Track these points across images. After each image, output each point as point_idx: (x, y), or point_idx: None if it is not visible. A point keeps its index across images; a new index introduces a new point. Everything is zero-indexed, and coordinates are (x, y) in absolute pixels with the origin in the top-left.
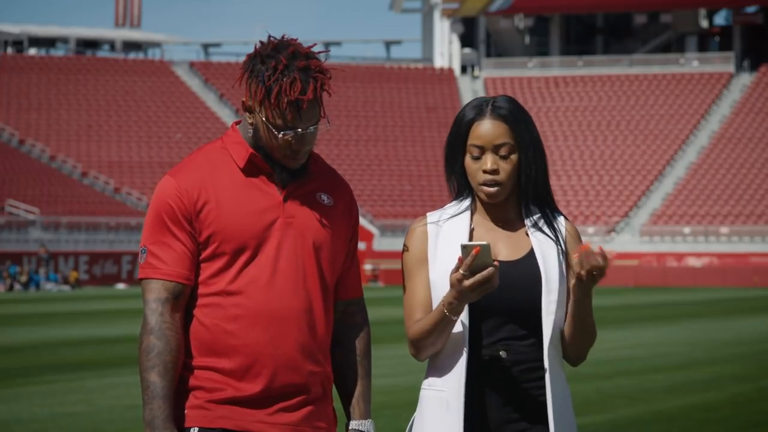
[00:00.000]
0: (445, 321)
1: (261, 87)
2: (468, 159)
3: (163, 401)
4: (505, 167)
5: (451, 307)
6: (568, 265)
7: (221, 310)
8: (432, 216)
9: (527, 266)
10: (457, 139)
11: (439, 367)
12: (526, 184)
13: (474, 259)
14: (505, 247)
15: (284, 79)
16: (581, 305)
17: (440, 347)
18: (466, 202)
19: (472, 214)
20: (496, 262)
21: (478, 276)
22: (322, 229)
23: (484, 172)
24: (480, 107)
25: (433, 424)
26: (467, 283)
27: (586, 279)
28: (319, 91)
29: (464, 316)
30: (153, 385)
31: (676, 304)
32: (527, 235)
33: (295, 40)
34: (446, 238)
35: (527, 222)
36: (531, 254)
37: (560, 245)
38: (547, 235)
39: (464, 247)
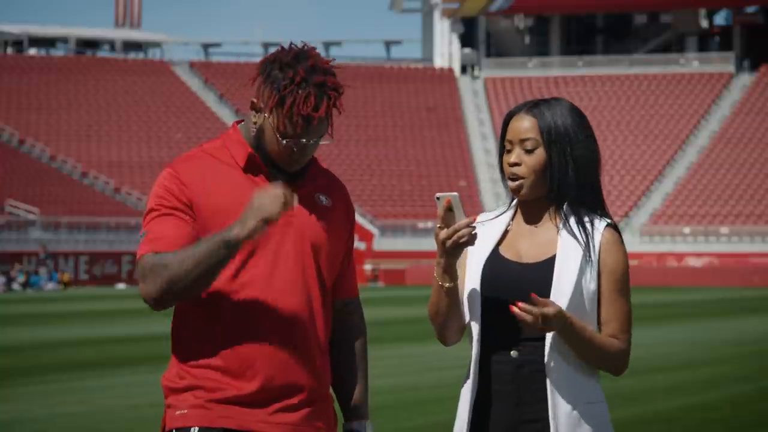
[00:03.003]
0: (436, 287)
1: (275, 94)
2: (505, 155)
3: (205, 241)
4: (527, 161)
5: (439, 268)
6: (599, 272)
7: (219, 309)
8: (482, 216)
9: (543, 270)
10: (501, 137)
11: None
12: (551, 182)
13: (445, 209)
14: (529, 248)
15: (299, 92)
16: (565, 341)
17: (454, 328)
18: (514, 203)
19: (513, 216)
20: (473, 218)
21: (450, 229)
22: (321, 230)
23: (510, 165)
24: (521, 104)
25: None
26: (442, 235)
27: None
28: (331, 108)
29: (477, 316)
30: (188, 250)
31: (676, 304)
32: (557, 238)
33: (314, 49)
34: (481, 238)
35: (559, 224)
36: (552, 259)
37: (588, 252)
38: (577, 240)
39: (438, 199)
